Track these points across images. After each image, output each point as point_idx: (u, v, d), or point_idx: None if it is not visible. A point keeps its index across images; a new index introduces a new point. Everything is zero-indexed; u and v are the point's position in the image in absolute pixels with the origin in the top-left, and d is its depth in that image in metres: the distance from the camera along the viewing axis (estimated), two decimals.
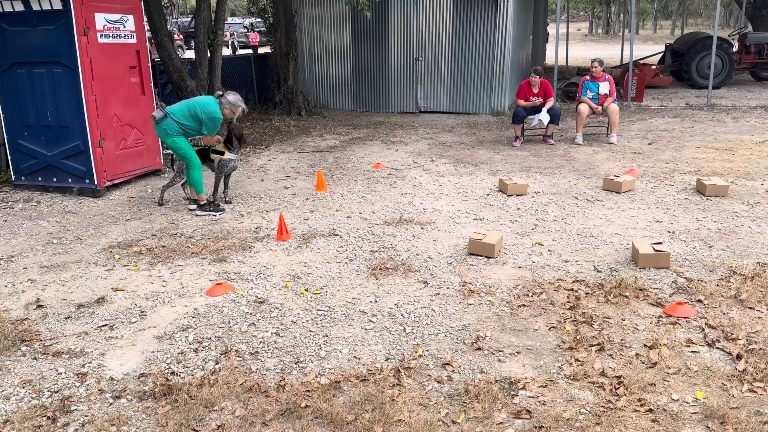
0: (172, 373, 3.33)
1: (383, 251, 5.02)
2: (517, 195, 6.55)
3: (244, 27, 30.33)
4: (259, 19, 14.95)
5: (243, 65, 12.98)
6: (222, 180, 6.43)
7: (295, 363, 3.39)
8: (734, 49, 15.49)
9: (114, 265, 4.84)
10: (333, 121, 11.94)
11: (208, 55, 9.85)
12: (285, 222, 5.42)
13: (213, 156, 6.32)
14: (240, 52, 26.33)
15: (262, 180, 7.53)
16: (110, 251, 5.16)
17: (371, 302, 4.10)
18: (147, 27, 7.97)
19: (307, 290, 4.31)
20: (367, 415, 2.91)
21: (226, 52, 25.20)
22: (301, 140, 10.03)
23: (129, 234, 5.59)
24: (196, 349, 3.57)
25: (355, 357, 3.43)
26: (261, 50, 18.36)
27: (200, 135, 6.09)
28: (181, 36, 28.30)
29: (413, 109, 12.77)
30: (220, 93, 6.02)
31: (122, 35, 6.97)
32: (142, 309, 4.08)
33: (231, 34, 27.31)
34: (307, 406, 2.99)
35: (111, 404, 3.07)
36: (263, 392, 3.12)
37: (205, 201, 6.17)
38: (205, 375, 3.30)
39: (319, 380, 3.21)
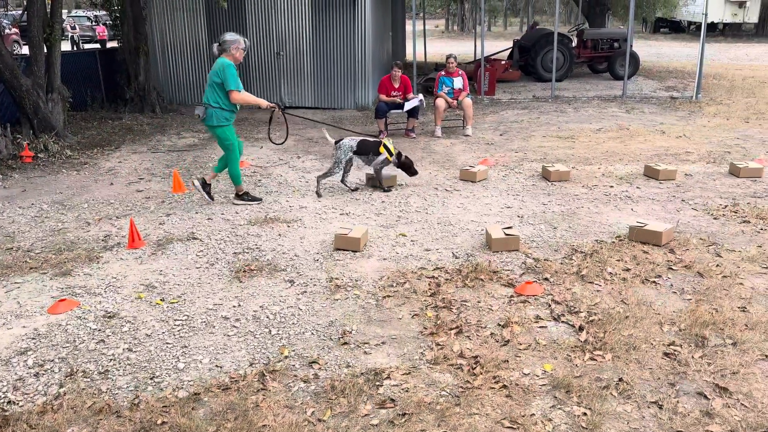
0: (9, 402, 3.01)
1: (247, 252, 4.88)
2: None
3: (88, 19, 28.09)
4: (105, 12, 13.94)
5: (87, 61, 12.02)
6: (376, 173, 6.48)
7: (150, 378, 3.19)
8: (573, 44, 16.87)
9: None
10: (191, 118, 11.39)
11: (45, 50, 8.99)
12: (136, 228, 5.09)
13: (381, 150, 6.31)
14: (87, 46, 24.36)
15: (112, 184, 7.02)
16: None
17: (234, 307, 3.97)
18: None
19: (162, 300, 4.07)
20: (230, 424, 2.81)
21: (67, 46, 23.24)
22: (155, 139, 9.48)
23: None
24: (37, 373, 3.25)
25: (216, 366, 3.30)
26: (110, 44, 17.15)
27: (236, 108, 5.94)
28: (17, 30, 25.61)
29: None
30: (217, 43, 5.82)
31: None
32: None
33: (72, 27, 25.13)
34: (164, 422, 2.83)
35: None
36: (114, 413, 2.91)
37: (243, 192, 6.20)
38: (48, 401, 3.01)
39: (177, 394, 3.05)
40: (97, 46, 24.38)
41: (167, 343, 3.54)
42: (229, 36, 5.80)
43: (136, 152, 8.62)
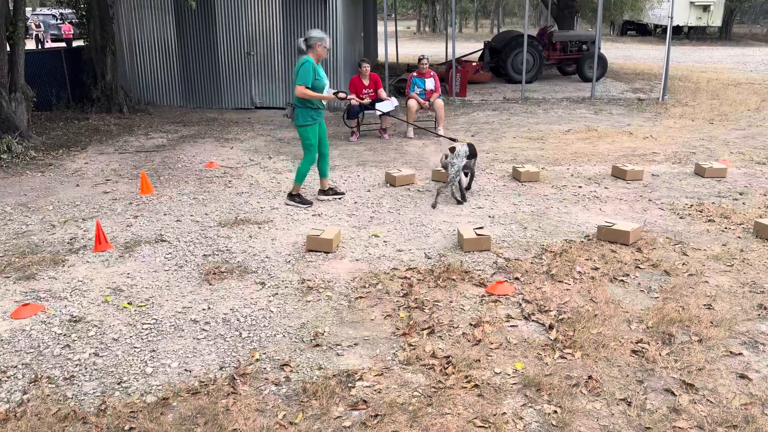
0: None
1: (217, 254, 4.82)
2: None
3: (54, 17, 27.47)
4: (71, 10, 13.67)
5: (52, 60, 11.76)
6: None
7: (118, 383, 3.12)
8: (543, 47, 17.06)
9: None
10: (160, 118, 11.25)
11: (8, 49, 8.77)
12: (103, 230, 4.99)
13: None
14: (50, 45, 23.80)
15: (78, 185, 6.87)
16: None
17: (204, 310, 3.92)
18: None
19: (130, 303, 4.00)
20: (199, 429, 2.77)
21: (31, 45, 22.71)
22: (123, 140, 9.31)
23: None
24: (0, 379, 3.16)
25: (185, 370, 3.25)
26: (75, 43, 16.81)
27: (322, 105, 5.87)
28: None
29: (248, 105, 12.45)
30: (303, 38, 5.75)
31: None
32: None
33: (37, 26, 24.53)
34: (132, 428, 2.77)
35: None
36: (81, 419, 2.84)
37: (297, 193, 6.14)
38: (11, 408, 2.93)
39: (145, 399, 2.99)
40: (63, 44, 23.81)
41: (135, 347, 3.47)
42: (316, 33, 5.75)
43: (103, 153, 8.46)
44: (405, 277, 4.38)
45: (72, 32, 25.48)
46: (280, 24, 11.90)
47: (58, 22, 27.04)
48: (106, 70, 11.31)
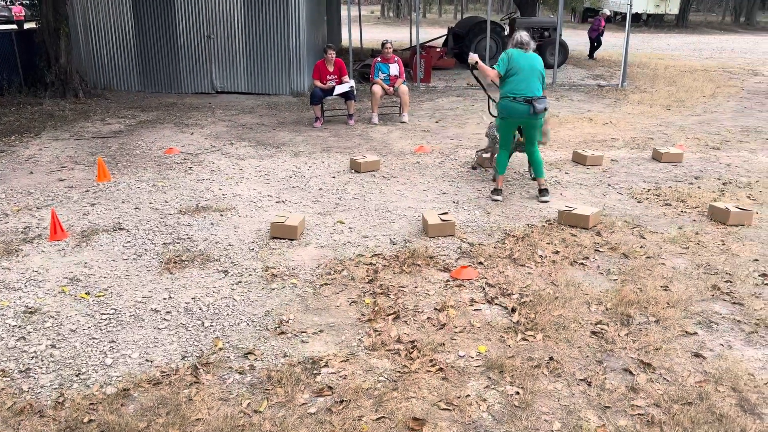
0: None
1: (178, 243, 4.73)
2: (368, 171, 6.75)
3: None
4: None
5: (3, 42, 11.28)
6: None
7: (76, 375, 3.05)
8: (506, 33, 17.16)
9: None
10: (117, 103, 10.94)
11: None
12: (58, 219, 4.84)
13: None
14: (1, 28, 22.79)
15: (31, 173, 6.64)
16: None
17: (165, 299, 3.84)
18: None
19: (88, 293, 3.89)
20: (161, 419, 2.72)
21: None
22: (78, 125, 9.02)
23: None
24: None
25: (146, 360, 3.19)
26: (27, 26, 16.14)
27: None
28: None
29: (209, 90, 12.20)
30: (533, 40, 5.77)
31: None
32: None
33: None
34: (91, 420, 2.71)
35: None
36: (37, 413, 2.77)
37: (545, 186, 5.89)
38: None
39: (105, 391, 2.92)
40: (14, 27, 22.89)
41: (93, 338, 3.39)
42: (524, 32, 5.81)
43: (58, 139, 8.18)
44: (370, 264, 4.38)
45: (23, 14, 24.49)
46: (242, 6, 11.66)
47: (8, 4, 25.92)
48: (60, 53, 10.91)
